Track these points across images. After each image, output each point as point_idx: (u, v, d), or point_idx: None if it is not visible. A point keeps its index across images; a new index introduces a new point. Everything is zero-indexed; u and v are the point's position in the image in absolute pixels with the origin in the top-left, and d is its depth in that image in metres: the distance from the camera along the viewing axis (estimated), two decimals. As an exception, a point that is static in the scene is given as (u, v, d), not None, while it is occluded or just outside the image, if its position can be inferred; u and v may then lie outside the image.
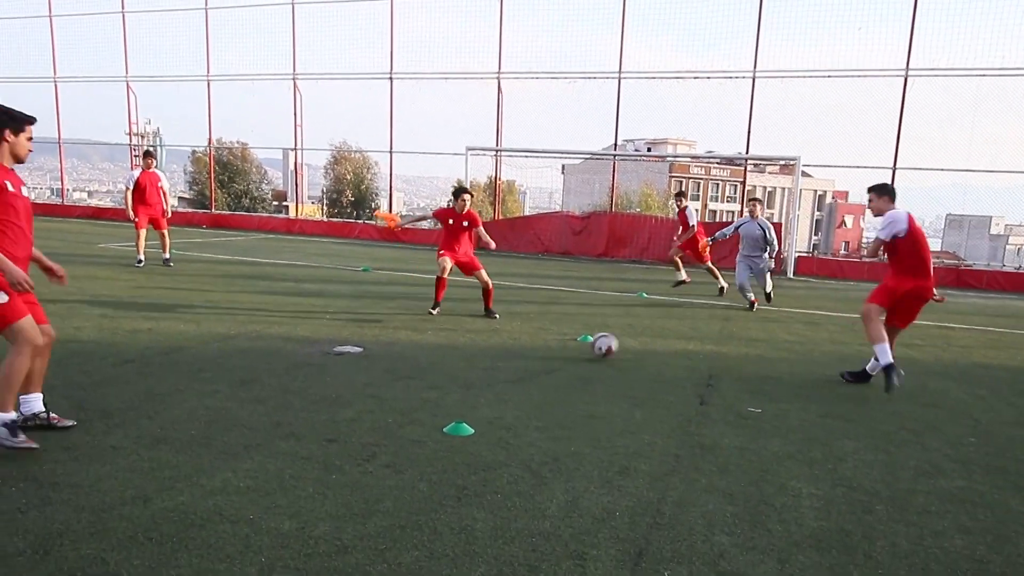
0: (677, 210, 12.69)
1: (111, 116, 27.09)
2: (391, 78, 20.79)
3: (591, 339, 6.93)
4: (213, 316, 7.79)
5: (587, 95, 19.81)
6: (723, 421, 4.97)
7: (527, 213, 28.27)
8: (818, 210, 76.56)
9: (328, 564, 2.81)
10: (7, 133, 3.81)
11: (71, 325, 6.94)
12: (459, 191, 9.07)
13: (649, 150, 53.68)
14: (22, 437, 3.75)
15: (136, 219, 11.92)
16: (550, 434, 4.49)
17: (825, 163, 18.44)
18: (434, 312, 8.67)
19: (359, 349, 6.56)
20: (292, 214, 25.99)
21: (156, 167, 12.26)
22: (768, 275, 10.53)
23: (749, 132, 17.18)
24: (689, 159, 66.92)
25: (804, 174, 17.44)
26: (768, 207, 73.25)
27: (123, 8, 24.06)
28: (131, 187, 11.93)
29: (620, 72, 18.22)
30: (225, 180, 36.51)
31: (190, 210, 27.51)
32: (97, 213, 25.53)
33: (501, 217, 21.22)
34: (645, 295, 11.52)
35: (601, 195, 46.95)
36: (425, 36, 20.25)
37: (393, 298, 9.88)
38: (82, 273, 10.64)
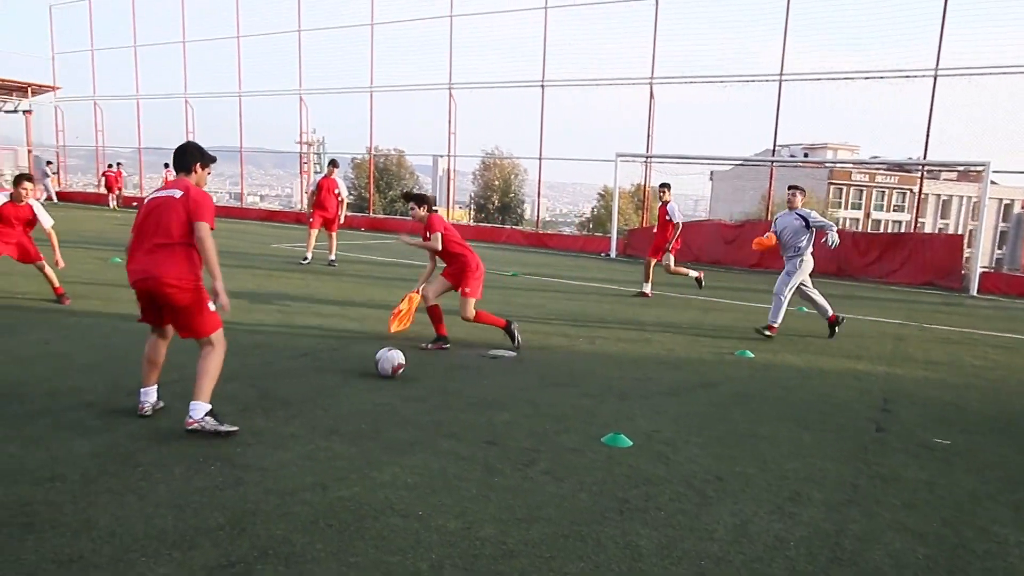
0: (660, 204, 11.19)
1: (283, 127, 29.38)
2: (543, 85, 21.04)
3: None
4: (374, 316, 8.20)
5: (741, 99, 19.05)
6: (904, 451, 4.56)
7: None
8: (1003, 221, 69.09)
9: (495, 567, 2.84)
10: (197, 166, 4.38)
11: (254, 319, 7.56)
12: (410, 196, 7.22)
13: (806, 155, 50.79)
14: (226, 423, 4.13)
15: (311, 219, 12.91)
16: (711, 451, 4.32)
17: (1019, 169, 16.56)
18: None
19: (513, 354, 6.65)
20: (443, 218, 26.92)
21: (334, 175, 13.22)
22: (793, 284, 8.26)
23: (928, 136, 15.78)
24: (852, 165, 62.65)
25: (991, 182, 15.76)
26: (942, 217, 67.05)
27: (299, 27, 26.05)
28: (312, 190, 13.02)
29: (781, 75, 17.36)
30: (382, 185, 38.63)
31: (349, 213, 29.28)
32: (270, 216, 27.76)
33: (648, 224, 20.86)
34: (805, 310, 10.88)
35: (752, 203, 44.98)
36: (577, 43, 20.17)
37: (542, 304, 9.96)
38: (261, 271, 11.60)
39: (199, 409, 4.08)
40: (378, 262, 14.40)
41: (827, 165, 60.32)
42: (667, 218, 11.07)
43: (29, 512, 3.07)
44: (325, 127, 32.71)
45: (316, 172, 29.20)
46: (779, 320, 8.25)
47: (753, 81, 17.96)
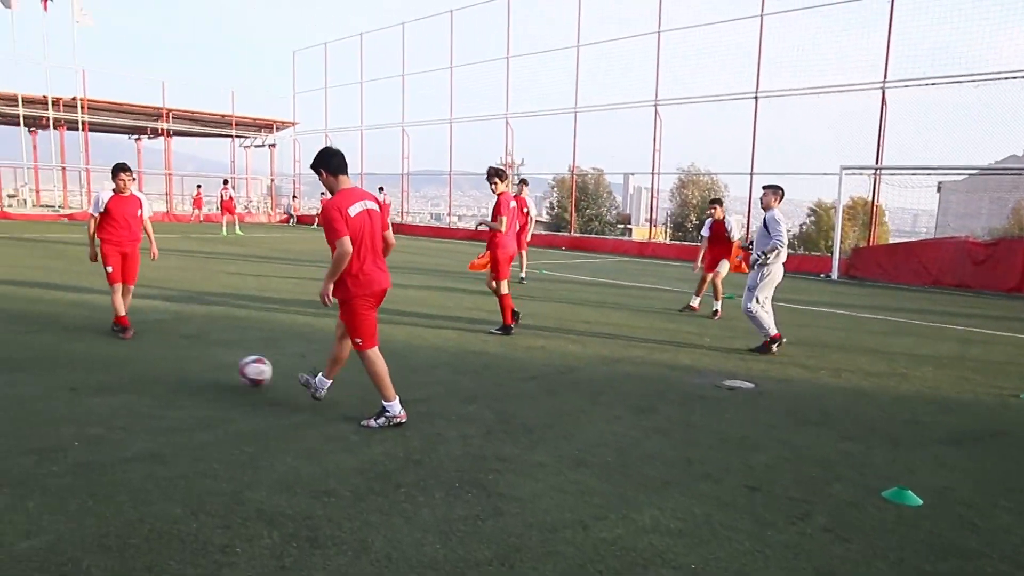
0: (711, 221, 10.29)
1: (485, 150, 30.48)
2: (756, 97, 19.98)
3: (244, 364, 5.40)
4: (595, 338, 8.04)
5: (980, 99, 16.67)
6: None
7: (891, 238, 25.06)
8: None
9: (796, 644, 2.48)
10: (325, 173, 4.59)
11: (480, 339, 7.71)
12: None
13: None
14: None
15: None
16: (1029, 520, 3.59)
17: None
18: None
19: (751, 385, 6.15)
20: (634, 236, 26.45)
21: (524, 193, 13.42)
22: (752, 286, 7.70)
23: None
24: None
25: None
26: None
27: (508, 53, 27.04)
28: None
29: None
30: (582, 205, 38.89)
31: (549, 232, 29.74)
32: (473, 236, 28.95)
33: (876, 243, 18.92)
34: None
35: (991, 217, 39.47)
36: (794, 51, 18.85)
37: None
38: (476, 290, 11.97)
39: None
40: (584, 281, 14.33)
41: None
42: (726, 234, 10.22)
43: (312, 526, 3.20)
44: (525, 148, 33.47)
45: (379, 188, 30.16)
46: (772, 328, 7.56)
47: (1010, 78, 15.70)
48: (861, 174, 17.80)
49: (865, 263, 17.62)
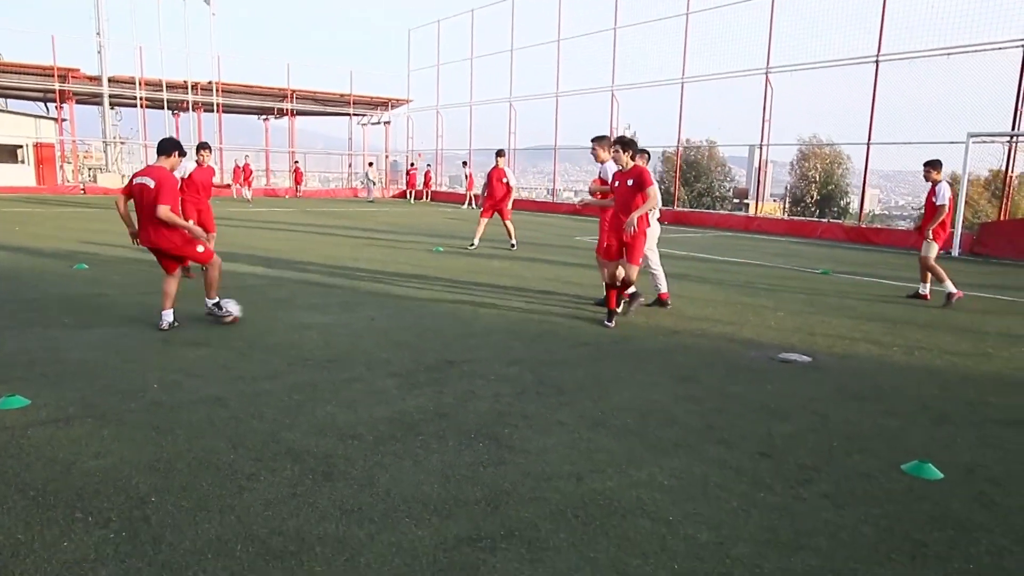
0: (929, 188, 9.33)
1: (596, 124, 30.14)
2: (877, 61, 18.74)
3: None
4: (662, 311, 8.05)
5: None
6: None
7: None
8: None
9: (743, 592, 2.58)
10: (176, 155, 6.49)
11: (546, 308, 7.93)
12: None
13: None
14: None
15: (482, 209, 14.21)
16: (1059, 502, 3.42)
17: None
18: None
19: (807, 359, 6.02)
20: (752, 212, 25.58)
21: (501, 164, 14.06)
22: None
23: None
24: None
25: None
26: None
27: (615, 24, 26.69)
28: (484, 182, 14.27)
29: None
30: (690, 178, 37.84)
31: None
32: (577, 211, 28.95)
33: (1008, 217, 17.40)
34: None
35: None
36: (923, 9, 17.45)
37: (853, 307, 8.87)
38: (560, 261, 12.15)
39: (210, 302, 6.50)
40: (674, 255, 14.15)
41: None
42: (933, 200, 9.23)
43: (330, 463, 3.57)
44: (638, 122, 32.95)
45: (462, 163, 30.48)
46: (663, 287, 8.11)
47: None
48: (993, 142, 16.38)
49: (994, 239, 16.30)
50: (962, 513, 3.26)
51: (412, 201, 29.02)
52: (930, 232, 9.25)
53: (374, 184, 36.59)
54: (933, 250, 9.26)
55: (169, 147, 6.47)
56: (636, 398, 4.82)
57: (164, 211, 6.13)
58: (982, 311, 8.81)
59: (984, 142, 16.24)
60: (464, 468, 3.57)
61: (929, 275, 9.37)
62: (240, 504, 3.11)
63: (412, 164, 36.69)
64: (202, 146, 9.52)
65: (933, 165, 9.40)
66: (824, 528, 3.07)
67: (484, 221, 14.13)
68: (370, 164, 37.01)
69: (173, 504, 3.09)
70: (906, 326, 7.65)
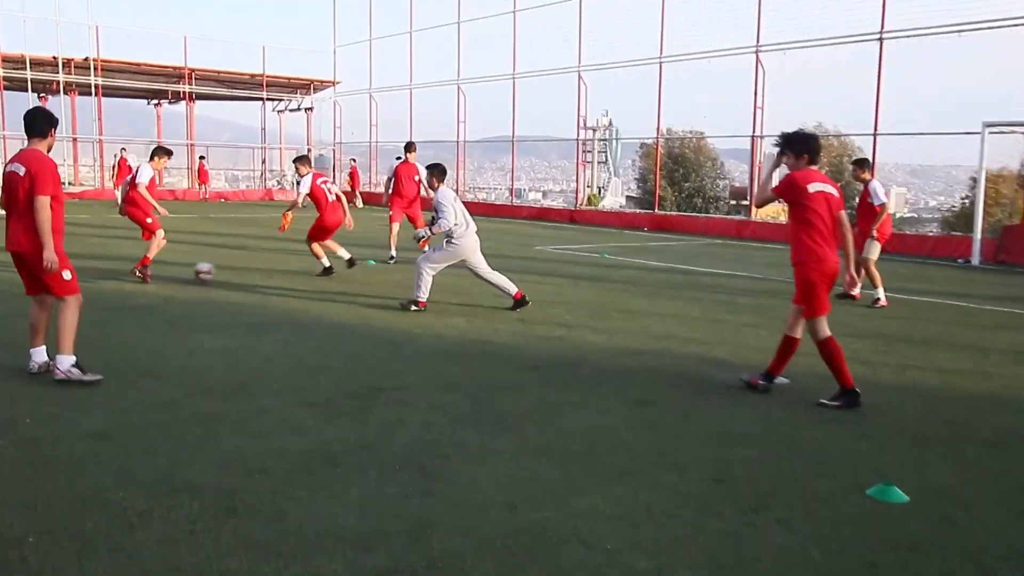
0: (862, 187, 10.75)
1: (568, 113, 30.59)
2: (881, 39, 19.74)
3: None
4: (625, 328, 8.53)
5: None
6: None
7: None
8: None
9: (675, 615, 2.99)
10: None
11: (491, 327, 8.34)
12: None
13: None
14: (90, 373, 5.82)
15: (391, 212, 14.15)
16: (1025, 522, 3.92)
17: None
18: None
19: (786, 380, 6.52)
20: (752, 215, 26.36)
21: (412, 159, 14.24)
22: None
23: None
24: None
25: None
26: None
27: (578, -7, 27.47)
28: (389, 177, 14.35)
29: None
30: (678, 176, 38.70)
31: (634, 210, 29.97)
32: (541, 214, 29.55)
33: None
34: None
35: None
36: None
37: (848, 322, 9.45)
38: (514, 274, 12.57)
39: (65, 361, 5.77)
40: (651, 267, 14.72)
41: None
42: (868, 201, 10.57)
43: (234, 498, 3.90)
44: (617, 110, 33.57)
45: (396, 159, 30.85)
46: (423, 294, 9.01)
47: None
48: (1013, 131, 17.39)
49: (1020, 246, 17.21)
50: (920, 535, 3.74)
51: (361, 204, 28.87)
52: (874, 231, 10.40)
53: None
54: (875, 250, 10.51)
55: (42, 124, 5.98)
56: (585, 424, 5.24)
57: (43, 203, 5.65)
58: (993, 326, 9.49)
59: (1002, 132, 17.23)
60: (386, 501, 3.93)
61: (880, 278, 10.51)
62: (131, 543, 3.42)
63: (353, 159, 36.67)
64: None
65: (860, 164, 11.09)
66: (770, 552, 3.51)
67: (396, 227, 14.05)
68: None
69: (54, 544, 3.39)
70: (902, 343, 8.25)
